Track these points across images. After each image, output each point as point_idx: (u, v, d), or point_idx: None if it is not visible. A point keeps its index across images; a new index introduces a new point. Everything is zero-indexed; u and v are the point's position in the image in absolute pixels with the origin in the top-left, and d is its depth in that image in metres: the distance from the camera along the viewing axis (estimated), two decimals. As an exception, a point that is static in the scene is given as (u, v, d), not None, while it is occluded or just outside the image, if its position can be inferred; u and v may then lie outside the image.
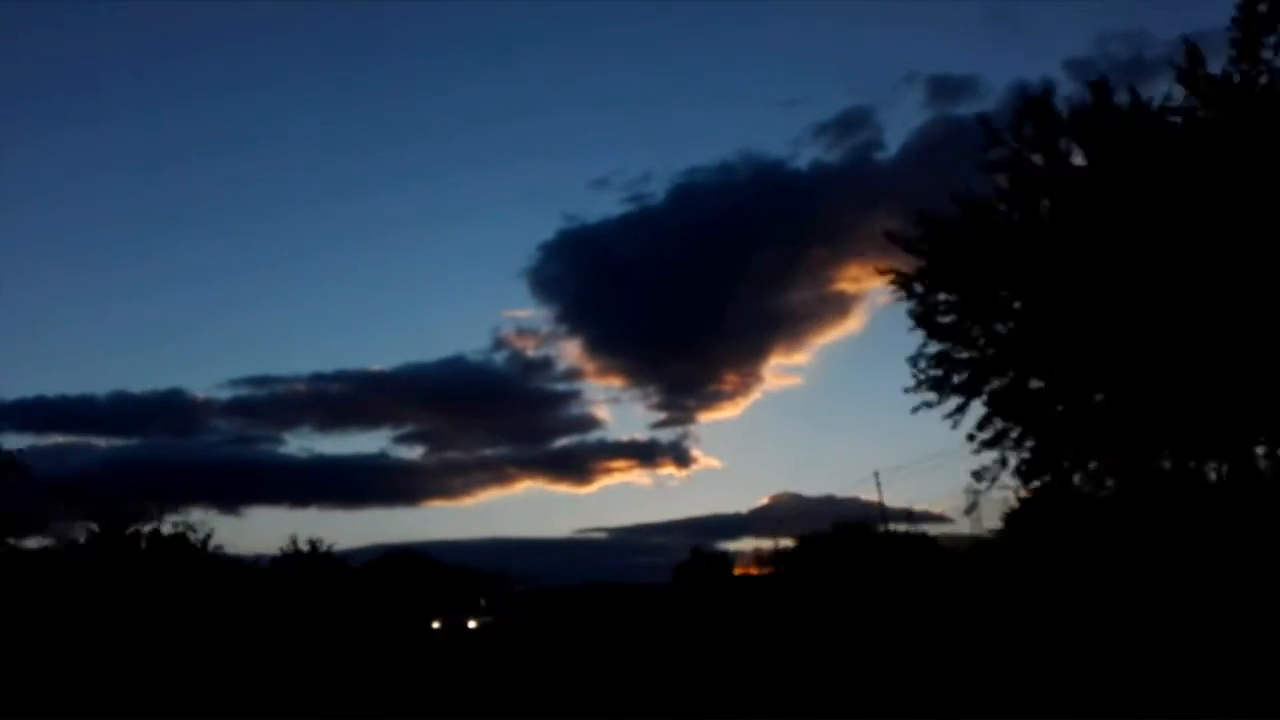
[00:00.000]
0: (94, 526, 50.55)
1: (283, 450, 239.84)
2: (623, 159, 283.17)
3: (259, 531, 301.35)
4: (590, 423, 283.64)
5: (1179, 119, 24.56)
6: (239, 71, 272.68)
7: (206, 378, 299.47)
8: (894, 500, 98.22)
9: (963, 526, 59.63)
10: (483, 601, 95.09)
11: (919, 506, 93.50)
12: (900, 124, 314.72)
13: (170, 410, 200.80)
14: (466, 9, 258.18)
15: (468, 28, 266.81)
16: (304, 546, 71.66)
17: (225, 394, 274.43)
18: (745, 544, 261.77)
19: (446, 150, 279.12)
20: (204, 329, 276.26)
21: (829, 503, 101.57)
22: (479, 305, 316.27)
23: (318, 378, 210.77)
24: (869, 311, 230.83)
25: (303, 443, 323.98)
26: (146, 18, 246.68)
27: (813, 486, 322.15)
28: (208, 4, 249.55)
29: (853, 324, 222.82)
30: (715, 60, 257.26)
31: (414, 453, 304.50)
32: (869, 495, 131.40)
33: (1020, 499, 33.57)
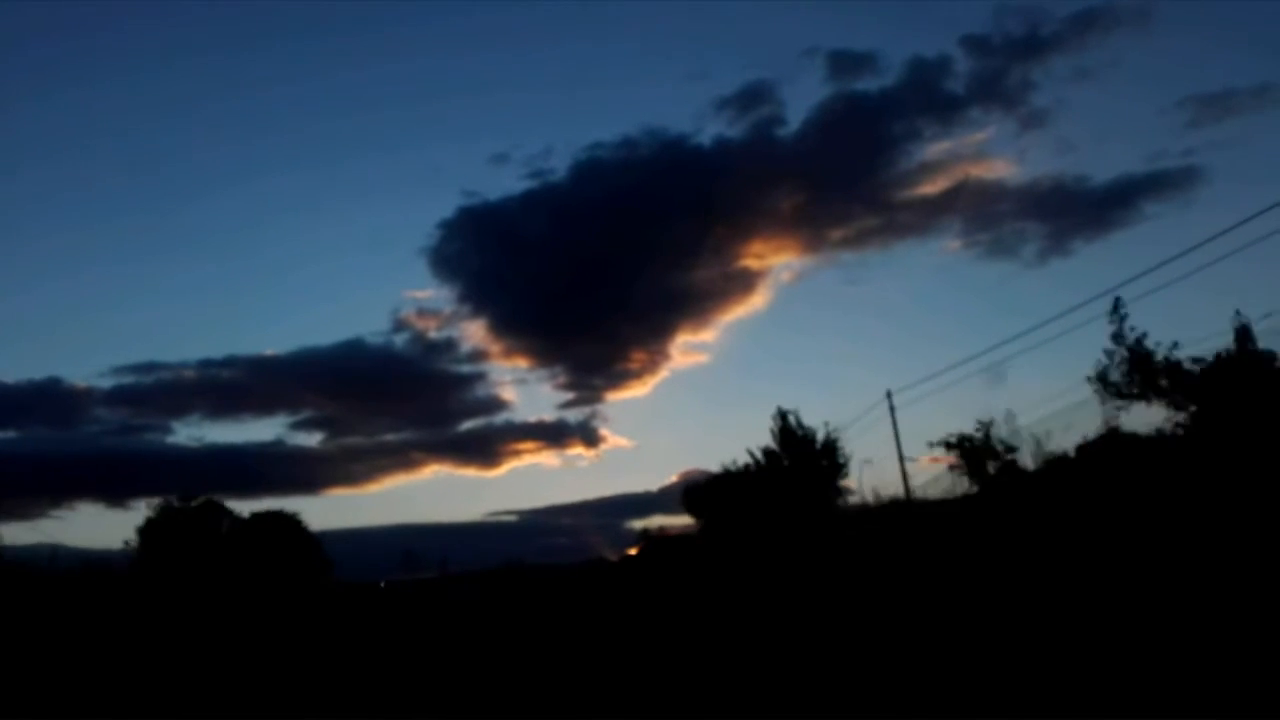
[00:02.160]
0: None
1: (171, 440, 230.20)
2: (523, 135, 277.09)
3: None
4: (497, 404, 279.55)
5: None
6: (117, 54, 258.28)
7: (86, 366, 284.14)
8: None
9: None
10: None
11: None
12: (802, 99, 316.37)
13: (48, 400, 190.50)
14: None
15: (359, 7, 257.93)
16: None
17: (107, 382, 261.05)
18: (655, 521, 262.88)
19: (341, 129, 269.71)
20: (82, 315, 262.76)
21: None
22: (377, 286, 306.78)
23: (207, 364, 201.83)
24: (773, 288, 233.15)
25: (193, 431, 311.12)
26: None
27: (720, 461, 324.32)
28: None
29: (757, 300, 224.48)
30: (615, 34, 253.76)
31: (312, 439, 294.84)
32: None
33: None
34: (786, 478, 51.92)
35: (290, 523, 55.09)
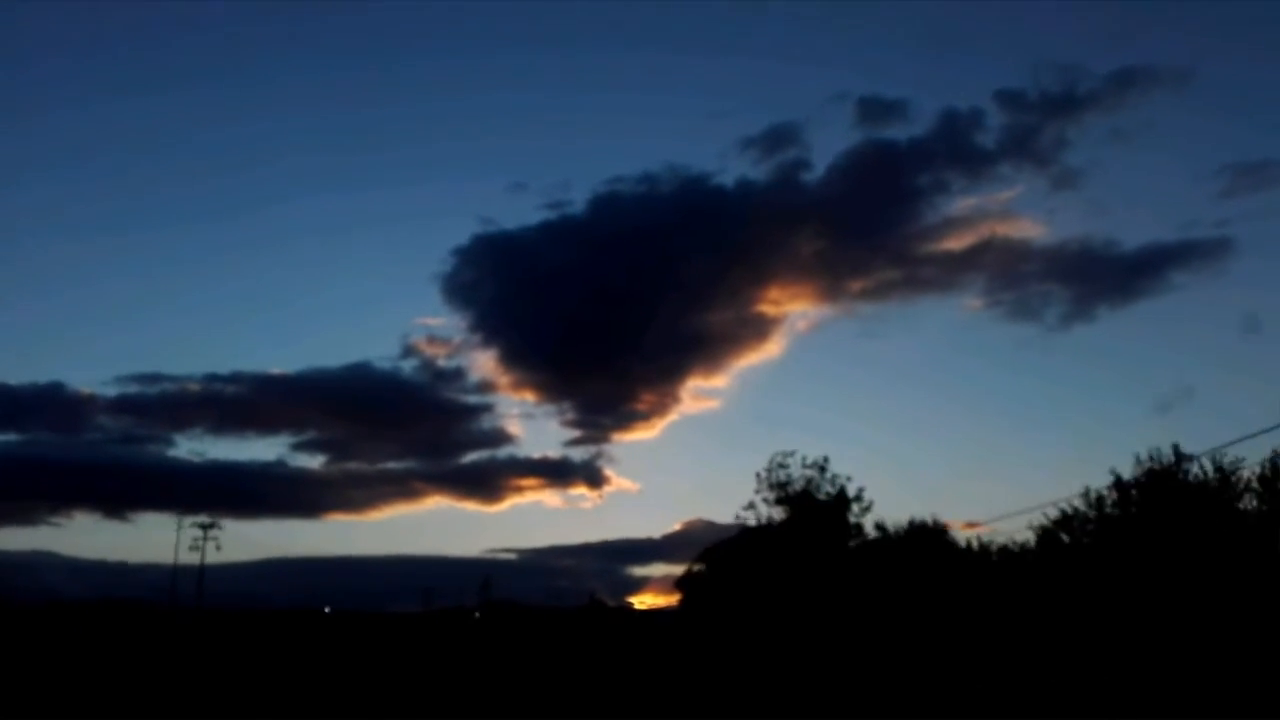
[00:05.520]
0: None
1: (173, 452, 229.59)
2: (543, 164, 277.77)
3: (148, 538, 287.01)
4: (502, 438, 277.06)
5: None
6: (142, 75, 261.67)
7: (91, 372, 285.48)
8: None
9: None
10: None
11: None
12: (829, 144, 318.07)
13: (51, 405, 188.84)
14: (378, 18, 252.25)
15: (384, 40, 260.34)
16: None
17: (111, 390, 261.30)
18: (656, 569, 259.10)
19: (360, 154, 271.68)
20: (88, 321, 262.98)
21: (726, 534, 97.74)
22: (388, 310, 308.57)
23: (212, 378, 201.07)
24: (788, 335, 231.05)
25: (195, 445, 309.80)
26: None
27: (726, 513, 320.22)
28: (101, 5, 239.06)
29: (772, 348, 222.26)
30: (641, 67, 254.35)
31: (314, 461, 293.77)
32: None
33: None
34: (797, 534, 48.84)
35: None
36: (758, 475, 49.56)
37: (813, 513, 47.91)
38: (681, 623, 63.32)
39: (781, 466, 49.94)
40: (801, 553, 46.62)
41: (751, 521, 50.04)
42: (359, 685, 24.10)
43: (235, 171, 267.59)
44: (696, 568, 63.51)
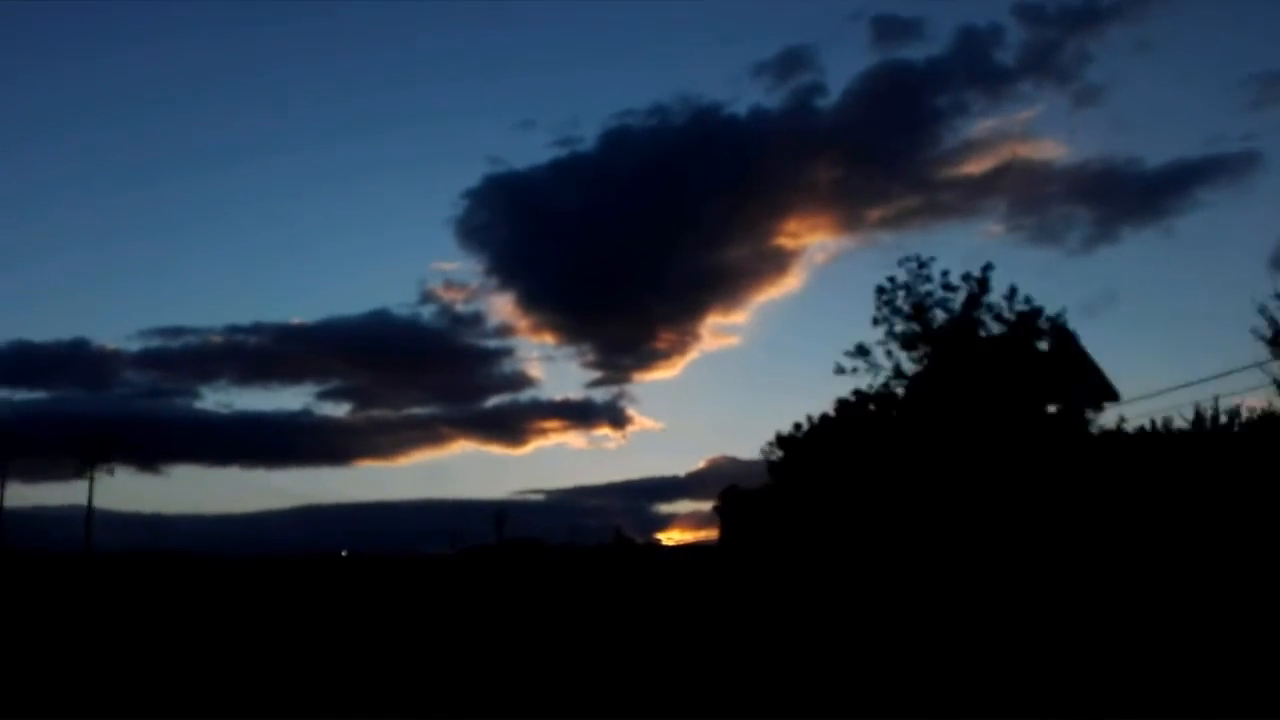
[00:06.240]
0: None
1: (200, 405, 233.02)
2: (551, 100, 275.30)
3: (182, 490, 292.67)
4: (524, 381, 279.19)
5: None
6: (150, 25, 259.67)
7: (115, 328, 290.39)
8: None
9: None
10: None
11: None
12: (844, 67, 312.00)
13: (77, 361, 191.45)
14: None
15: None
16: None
17: (135, 345, 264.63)
18: (682, 506, 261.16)
19: (369, 98, 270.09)
20: (110, 276, 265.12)
21: (753, 476, 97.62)
22: (405, 256, 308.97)
23: (234, 329, 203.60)
24: (807, 268, 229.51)
25: (220, 397, 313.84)
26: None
27: (750, 449, 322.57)
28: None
29: (791, 282, 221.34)
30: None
31: (340, 410, 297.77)
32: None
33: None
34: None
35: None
36: (880, 294, 32.28)
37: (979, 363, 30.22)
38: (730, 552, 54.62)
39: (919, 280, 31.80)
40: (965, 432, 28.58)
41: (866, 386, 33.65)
42: (365, 630, 24.47)
43: (245, 124, 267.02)
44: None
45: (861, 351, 33.25)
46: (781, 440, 49.21)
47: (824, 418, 43.09)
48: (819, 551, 35.08)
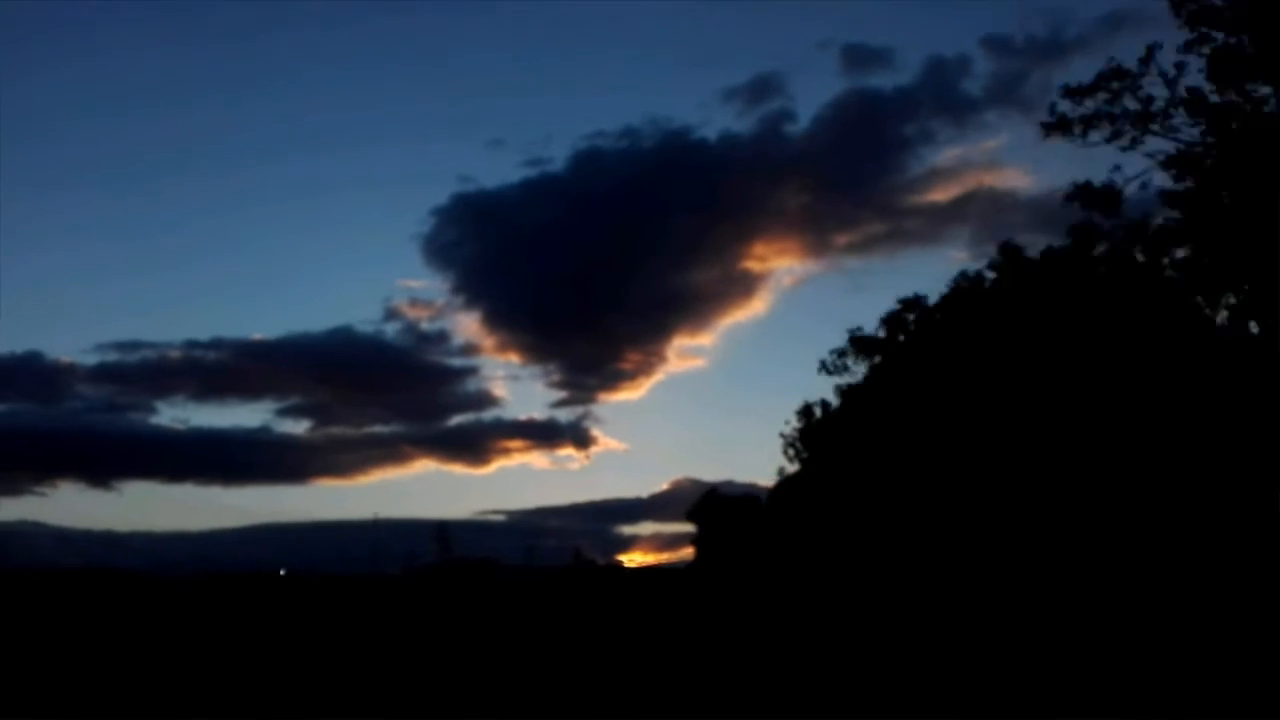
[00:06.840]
0: None
1: (155, 420, 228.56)
2: (521, 119, 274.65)
3: (136, 507, 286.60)
4: (487, 400, 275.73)
5: None
6: (111, 38, 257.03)
7: (70, 341, 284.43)
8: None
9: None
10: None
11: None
12: (813, 94, 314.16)
13: (29, 374, 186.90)
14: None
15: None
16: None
17: (90, 359, 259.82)
18: (645, 528, 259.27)
19: (336, 113, 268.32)
20: (64, 288, 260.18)
21: (729, 488, 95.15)
22: (369, 272, 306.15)
23: (193, 344, 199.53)
24: (774, 292, 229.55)
25: (177, 413, 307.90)
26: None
27: (714, 472, 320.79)
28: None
29: (757, 305, 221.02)
30: (619, 16, 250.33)
31: (299, 427, 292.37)
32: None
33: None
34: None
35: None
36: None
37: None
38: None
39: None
40: None
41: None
42: (290, 648, 23.41)
43: (209, 135, 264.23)
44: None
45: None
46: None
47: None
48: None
